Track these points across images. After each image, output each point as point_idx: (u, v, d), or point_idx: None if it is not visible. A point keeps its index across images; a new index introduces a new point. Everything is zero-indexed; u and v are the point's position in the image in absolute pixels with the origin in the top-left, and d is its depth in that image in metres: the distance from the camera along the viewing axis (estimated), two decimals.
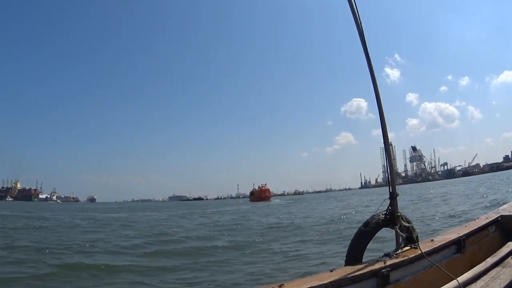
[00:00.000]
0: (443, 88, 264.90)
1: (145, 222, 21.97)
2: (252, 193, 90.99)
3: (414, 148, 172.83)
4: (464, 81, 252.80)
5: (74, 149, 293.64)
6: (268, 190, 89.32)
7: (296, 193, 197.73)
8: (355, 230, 3.28)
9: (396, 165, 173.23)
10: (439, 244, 3.23)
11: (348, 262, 3.04)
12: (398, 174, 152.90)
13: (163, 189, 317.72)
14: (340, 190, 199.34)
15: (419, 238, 3.22)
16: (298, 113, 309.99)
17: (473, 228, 3.71)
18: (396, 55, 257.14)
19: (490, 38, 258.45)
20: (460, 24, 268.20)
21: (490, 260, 3.14)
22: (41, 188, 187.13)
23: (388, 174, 3.42)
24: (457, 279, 2.73)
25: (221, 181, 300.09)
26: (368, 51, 3.24)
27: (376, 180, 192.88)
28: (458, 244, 3.41)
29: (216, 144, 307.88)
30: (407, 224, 3.23)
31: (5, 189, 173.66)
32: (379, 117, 3.29)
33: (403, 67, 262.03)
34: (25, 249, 10.30)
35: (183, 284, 6.48)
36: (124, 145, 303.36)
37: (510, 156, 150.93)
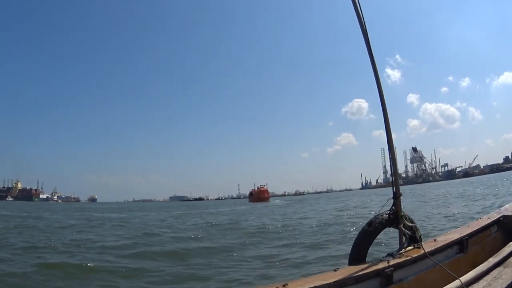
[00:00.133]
0: (444, 89, 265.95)
1: (139, 222, 21.93)
2: (251, 194, 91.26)
3: (414, 149, 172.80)
4: (465, 82, 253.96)
5: (75, 149, 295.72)
6: (267, 191, 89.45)
7: (297, 193, 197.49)
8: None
9: (395, 167, 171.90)
10: (442, 244, 3.27)
11: (352, 262, 3.06)
12: (399, 175, 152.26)
13: (164, 189, 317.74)
14: (340, 190, 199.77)
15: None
16: (299, 113, 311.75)
17: (476, 228, 3.74)
18: (397, 56, 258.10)
19: (490, 39, 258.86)
20: (460, 25, 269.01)
21: (492, 260, 3.16)
22: (42, 188, 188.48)
23: (392, 173, 3.44)
24: (460, 278, 2.75)
25: (222, 181, 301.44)
26: (372, 50, 3.25)
27: (377, 181, 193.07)
28: (461, 244, 3.44)
29: (217, 144, 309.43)
30: (410, 224, 3.25)
31: (5, 189, 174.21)
32: (383, 117, 3.31)
33: (404, 68, 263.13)
34: (11, 248, 10.31)
35: None
36: (125, 145, 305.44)
37: (510, 157, 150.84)
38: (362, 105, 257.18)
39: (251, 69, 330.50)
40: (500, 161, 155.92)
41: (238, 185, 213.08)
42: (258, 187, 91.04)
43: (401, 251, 3.10)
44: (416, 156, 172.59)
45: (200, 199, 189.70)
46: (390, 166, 3.43)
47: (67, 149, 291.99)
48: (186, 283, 6.63)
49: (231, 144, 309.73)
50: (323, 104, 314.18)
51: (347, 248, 8.24)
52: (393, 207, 3.24)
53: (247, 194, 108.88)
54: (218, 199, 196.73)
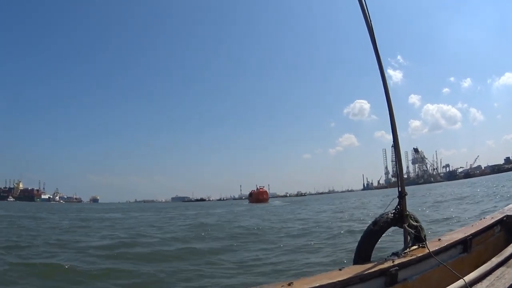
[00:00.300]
0: (445, 89, 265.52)
1: (131, 223, 21.99)
2: (250, 195, 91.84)
3: (416, 150, 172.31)
4: (466, 82, 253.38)
5: (77, 150, 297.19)
6: (266, 192, 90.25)
7: (299, 194, 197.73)
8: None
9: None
10: (446, 243, 3.28)
11: (357, 261, 3.07)
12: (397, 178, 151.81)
13: (166, 190, 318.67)
14: (342, 191, 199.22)
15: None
16: (301, 114, 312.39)
17: (479, 228, 3.76)
18: (399, 57, 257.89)
19: (491, 40, 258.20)
20: (461, 25, 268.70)
21: (495, 260, 3.17)
22: (43, 188, 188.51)
23: (393, 174, 3.41)
24: (464, 278, 2.76)
25: (224, 182, 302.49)
26: (378, 48, 3.28)
27: (378, 181, 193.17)
28: (465, 243, 3.46)
29: (219, 145, 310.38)
30: (415, 223, 3.27)
31: (7, 189, 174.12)
32: (389, 117, 3.34)
33: (405, 68, 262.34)
34: None
35: None
36: (127, 146, 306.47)
37: (511, 158, 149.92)
38: (364, 106, 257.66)
39: (253, 70, 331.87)
40: (501, 161, 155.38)
41: (240, 186, 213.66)
42: (257, 188, 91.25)
43: (406, 251, 3.12)
44: (418, 157, 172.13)
45: (202, 199, 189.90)
46: (396, 165, 3.42)
47: (69, 149, 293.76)
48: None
49: (233, 145, 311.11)
50: (325, 105, 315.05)
51: (312, 259, 8.21)
52: (398, 206, 3.26)
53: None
54: (220, 199, 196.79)
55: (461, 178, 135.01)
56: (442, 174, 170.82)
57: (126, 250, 10.28)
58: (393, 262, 2.80)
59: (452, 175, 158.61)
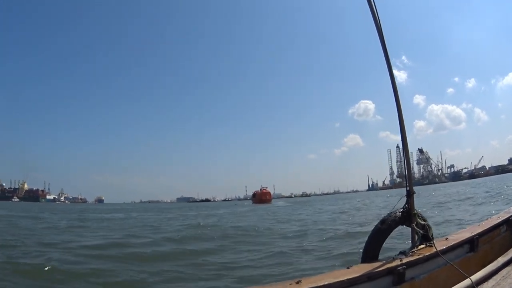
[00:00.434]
0: (450, 90, 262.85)
1: (131, 223, 22.14)
2: (254, 195, 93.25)
3: (421, 151, 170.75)
4: (471, 83, 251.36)
5: (83, 150, 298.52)
6: (269, 193, 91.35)
7: (304, 195, 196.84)
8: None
9: (403, 167, 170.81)
10: (453, 242, 3.29)
11: (365, 260, 3.08)
12: (405, 176, 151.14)
13: (172, 191, 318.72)
14: (347, 192, 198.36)
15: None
16: (306, 115, 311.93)
17: (486, 228, 3.78)
18: (403, 57, 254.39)
19: (495, 40, 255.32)
20: (466, 26, 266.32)
21: (501, 260, 3.22)
22: (48, 189, 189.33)
23: (405, 171, 3.47)
24: (470, 277, 2.80)
25: (229, 182, 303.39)
26: (386, 46, 3.29)
27: (383, 182, 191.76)
28: (471, 243, 3.47)
29: (225, 146, 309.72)
30: (423, 222, 3.27)
31: (12, 189, 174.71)
32: (397, 115, 3.38)
33: (410, 69, 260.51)
34: None
35: None
36: (133, 146, 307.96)
37: None
38: (369, 106, 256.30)
39: (258, 71, 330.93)
40: (505, 162, 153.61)
41: (245, 186, 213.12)
42: (261, 189, 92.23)
43: (413, 249, 3.13)
44: (423, 157, 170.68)
45: (207, 200, 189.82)
46: (404, 164, 3.48)
47: (75, 150, 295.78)
48: None
49: (238, 145, 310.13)
50: (330, 105, 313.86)
51: (296, 265, 8.05)
52: (406, 205, 3.27)
53: None
54: (225, 200, 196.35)
55: (465, 179, 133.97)
56: (446, 174, 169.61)
57: (116, 250, 10.31)
58: (400, 261, 2.81)
59: (456, 176, 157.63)
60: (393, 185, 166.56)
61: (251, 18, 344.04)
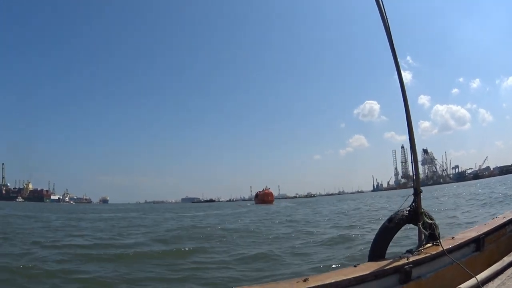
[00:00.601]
0: (454, 90, 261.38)
1: (124, 223, 22.12)
2: (256, 196, 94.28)
3: (425, 151, 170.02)
4: (475, 83, 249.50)
5: (88, 150, 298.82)
6: (271, 193, 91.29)
7: (309, 195, 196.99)
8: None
9: (407, 168, 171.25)
10: (460, 241, 3.33)
11: (372, 258, 3.11)
12: (409, 177, 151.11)
13: (177, 191, 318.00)
14: (352, 192, 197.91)
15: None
16: (311, 115, 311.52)
17: (492, 227, 3.83)
18: (408, 57, 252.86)
19: (499, 40, 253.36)
20: (470, 26, 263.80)
21: (506, 259, 3.30)
22: (53, 189, 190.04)
23: (412, 170, 3.46)
24: (476, 277, 2.85)
25: (234, 183, 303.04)
26: (395, 46, 3.39)
27: (388, 183, 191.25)
28: (478, 242, 3.50)
29: (231, 147, 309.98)
30: (430, 221, 3.30)
31: (17, 189, 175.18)
32: (405, 114, 3.46)
33: (415, 69, 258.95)
34: None
35: None
36: (138, 146, 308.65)
37: None
38: (374, 107, 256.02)
39: (264, 72, 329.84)
40: (510, 162, 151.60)
41: (250, 187, 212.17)
42: (263, 189, 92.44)
43: (420, 248, 3.16)
44: (427, 158, 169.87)
45: (211, 200, 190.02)
46: (411, 162, 3.45)
47: (80, 150, 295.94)
48: None
49: (244, 146, 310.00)
50: (335, 106, 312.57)
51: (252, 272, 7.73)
52: (413, 204, 3.30)
53: None
54: (230, 200, 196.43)
55: (470, 179, 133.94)
56: (451, 175, 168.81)
57: (98, 250, 10.37)
58: (407, 259, 2.84)
59: (461, 176, 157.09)
60: (397, 185, 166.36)
61: (260, 24, 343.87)
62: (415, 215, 3.25)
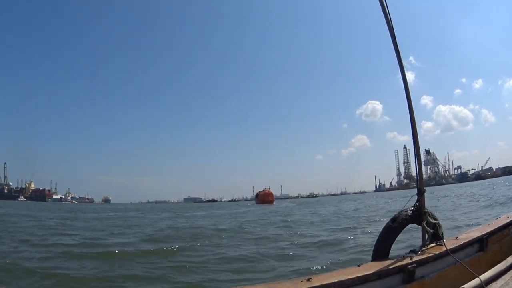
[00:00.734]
0: (457, 91, 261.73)
1: (119, 223, 22.17)
2: (257, 196, 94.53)
3: (428, 152, 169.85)
4: (478, 84, 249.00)
5: (90, 150, 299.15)
6: (271, 194, 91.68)
7: (311, 195, 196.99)
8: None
9: (410, 168, 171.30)
10: (463, 241, 3.33)
11: (375, 258, 3.12)
12: (412, 177, 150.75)
13: (179, 191, 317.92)
14: (354, 193, 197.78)
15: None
16: (314, 115, 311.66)
17: (495, 227, 3.83)
18: (411, 58, 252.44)
19: (502, 41, 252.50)
20: (473, 27, 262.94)
21: (510, 259, 3.31)
22: (55, 189, 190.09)
23: (416, 170, 3.45)
24: (480, 277, 2.86)
25: (237, 183, 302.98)
26: (399, 47, 3.42)
27: (391, 183, 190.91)
28: (481, 242, 3.50)
29: (232, 147, 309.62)
30: (433, 221, 3.30)
31: (19, 189, 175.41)
32: (408, 114, 3.47)
33: (417, 69, 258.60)
34: None
35: None
36: (141, 146, 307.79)
37: None
38: (377, 107, 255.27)
39: (266, 72, 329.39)
40: None
41: (253, 187, 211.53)
42: (264, 190, 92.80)
43: (423, 248, 3.16)
44: (430, 158, 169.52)
45: (213, 200, 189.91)
46: (415, 162, 3.46)
47: (82, 150, 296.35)
48: None
49: (246, 146, 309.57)
50: (338, 106, 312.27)
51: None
52: (417, 204, 3.30)
53: None
54: (232, 200, 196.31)
55: (472, 180, 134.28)
56: (453, 175, 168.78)
57: (86, 249, 10.39)
58: (411, 259, 2.83)
59: (463, 177, 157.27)
60: (400, 186, 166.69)
61: (260, 24, 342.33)
62: (418, 214, 3.25)
